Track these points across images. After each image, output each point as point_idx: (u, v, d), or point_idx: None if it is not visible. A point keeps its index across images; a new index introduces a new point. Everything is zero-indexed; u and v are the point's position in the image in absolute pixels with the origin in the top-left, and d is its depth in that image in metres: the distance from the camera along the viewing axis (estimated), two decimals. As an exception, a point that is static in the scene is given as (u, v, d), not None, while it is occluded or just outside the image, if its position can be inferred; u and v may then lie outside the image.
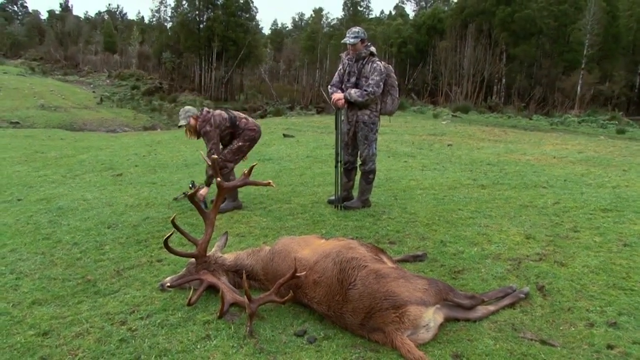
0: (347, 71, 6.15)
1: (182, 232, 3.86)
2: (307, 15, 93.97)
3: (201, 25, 61.58)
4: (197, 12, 61.96)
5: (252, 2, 63.76)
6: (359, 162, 6.33)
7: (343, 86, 6.20)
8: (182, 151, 12.46)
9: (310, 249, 3.83)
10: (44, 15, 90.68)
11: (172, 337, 3.38)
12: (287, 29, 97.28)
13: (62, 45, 74.05)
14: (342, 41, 6.19)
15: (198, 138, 6.49)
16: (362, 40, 5.99)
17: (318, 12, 76.35)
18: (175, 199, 7.12)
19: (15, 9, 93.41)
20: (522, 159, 10.35)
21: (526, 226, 5.41)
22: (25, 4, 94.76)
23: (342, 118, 6.27)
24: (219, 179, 3.98)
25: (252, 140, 6.64)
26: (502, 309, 3.57)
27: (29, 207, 7.02)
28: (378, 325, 3.16)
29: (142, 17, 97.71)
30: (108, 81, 56.31)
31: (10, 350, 3.32)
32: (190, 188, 6.73)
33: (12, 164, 10.94)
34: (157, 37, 69.80)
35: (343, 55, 6.29)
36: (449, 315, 3.36)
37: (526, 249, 4.72)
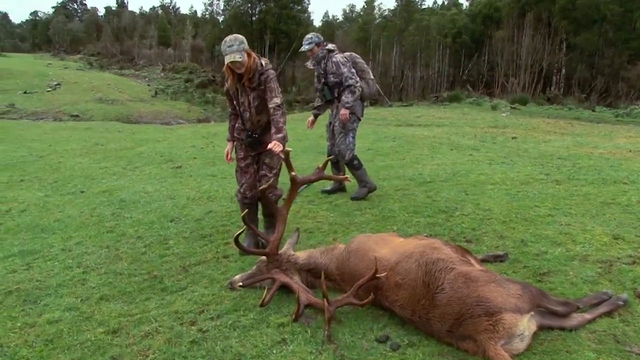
0: (316, 75, 6.42)
1: (252, 229, 3.70)
2: (358, 7, 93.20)
3: (253, 18, 62.11)
4: (249, 5, 62.48)
5: (304, -6, 63.88)
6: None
7: (317, 93, 6.57)
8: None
9: (389, 247, 3.59)
10: (102, 12, 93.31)
11: (246, 340, 3.21)
12: (338, 20, 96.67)
13: (118, 40, 75.74)
14: (300, 50, 6.48)
15: (247, 82, 4.48)
16: (318, 45, 6.29)
17: (370, 3, 75.36)
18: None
19: (75, 6, 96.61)
20: (594, 152, 9.75)
21: (612, 225, 4.97)
22: (84, 2, 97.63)
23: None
24: (293, 172, 3.79)
25: None
26: (600, 318, 3.23)
27: (92, 199, 7.05)
28: (469, 332, 2.91)
29: (195, 11, 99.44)
30: (162, 74, 57.12)
31: (81, 348, 3.24)
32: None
33: (74, 155, 11.12)
34: (210, 30, 70.66)
35: (308, 63, 6.51)
36: (542, 323, 3.07)
37: (616, 251, 4.31)
